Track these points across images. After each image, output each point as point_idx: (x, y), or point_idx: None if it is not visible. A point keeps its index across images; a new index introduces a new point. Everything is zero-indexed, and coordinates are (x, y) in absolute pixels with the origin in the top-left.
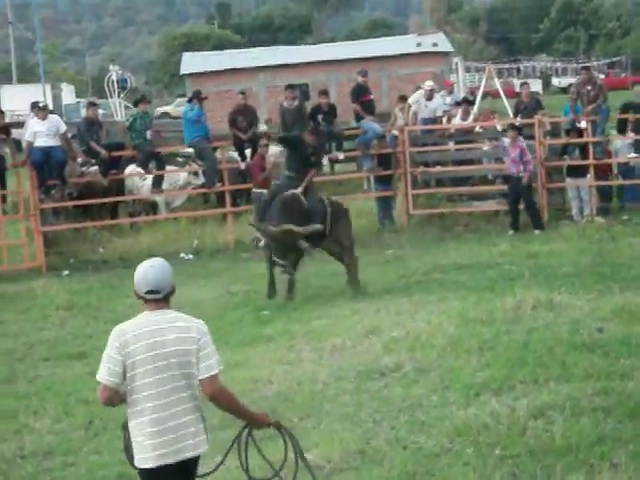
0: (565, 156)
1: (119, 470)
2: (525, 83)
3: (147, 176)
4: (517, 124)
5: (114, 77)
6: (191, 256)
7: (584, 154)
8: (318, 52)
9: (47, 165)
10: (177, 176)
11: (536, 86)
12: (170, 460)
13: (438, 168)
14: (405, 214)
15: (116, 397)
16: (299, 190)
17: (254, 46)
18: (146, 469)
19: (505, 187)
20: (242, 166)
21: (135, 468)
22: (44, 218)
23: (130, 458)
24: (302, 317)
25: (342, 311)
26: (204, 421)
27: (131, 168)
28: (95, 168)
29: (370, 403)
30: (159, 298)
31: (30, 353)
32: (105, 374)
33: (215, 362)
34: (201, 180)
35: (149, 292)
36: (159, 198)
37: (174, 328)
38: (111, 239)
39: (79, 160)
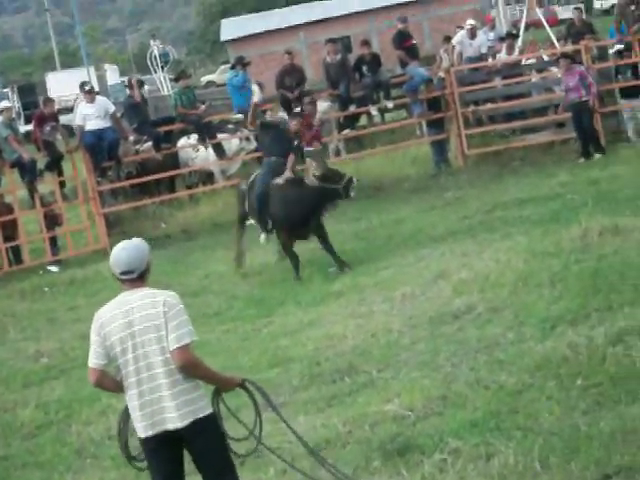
0: (619, 76)
1: None
2: (577, 8)
3: (200, 147)
4: (568, 52)
5: (156, 52)
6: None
7: (636, 74)
8: (356, 3)
9: (100, 147)
10: (229, 143)
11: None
12: (151, 432)
13: (488, 105)
14: (460, 155)
15: (105, 380)
16: (287, 174)
17: (290, 4)
18: (141, 438)
19: (557, 117)
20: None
21: (125, 456)
22: (103, 200)
23: (122, 446)
24: (369, 269)
25: (408, 259)
26: (192, 393)
27: (183, 141)
28: (148, 145)
29: (446, 347)
30: (134, 278)
31: None
32: (91, 357)
33: (186, 332)
34: (253, 144)
35: (123, 273)
36: (214, 167)
37: (143, 305)
38: (172, 213)
39: (131, 138)
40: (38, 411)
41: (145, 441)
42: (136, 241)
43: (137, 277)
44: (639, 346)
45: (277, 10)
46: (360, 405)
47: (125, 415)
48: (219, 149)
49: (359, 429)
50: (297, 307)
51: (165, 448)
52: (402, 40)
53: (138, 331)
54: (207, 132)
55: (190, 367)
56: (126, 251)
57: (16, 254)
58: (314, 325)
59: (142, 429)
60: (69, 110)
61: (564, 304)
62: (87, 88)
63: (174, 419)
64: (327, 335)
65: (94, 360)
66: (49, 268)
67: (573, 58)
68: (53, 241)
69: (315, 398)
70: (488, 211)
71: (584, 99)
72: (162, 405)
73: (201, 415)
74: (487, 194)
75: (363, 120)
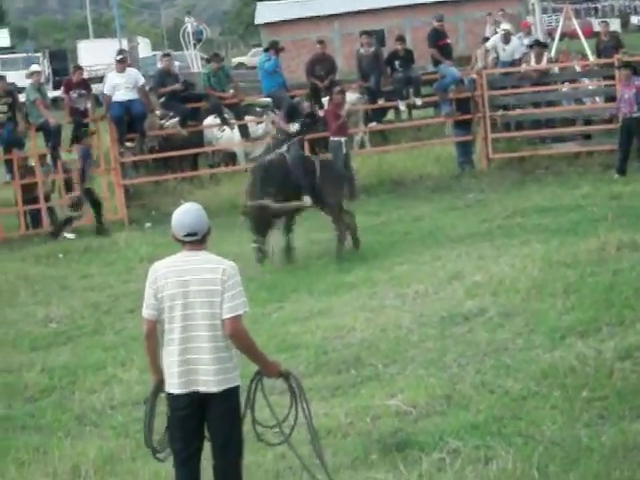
0: None
1: None
2: (604, 22)
3: (225, 127)
4: (631, 62)
5: (189, 29)
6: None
7: None
8: None
9: (126, 119)
10: (255, 126)
11: (615, 25)
12: (184, 390)
13: (517, 111)
14: (485, 158)
15: (154, 333)
16: (284, 148)
17: None
18: (171, 394)
19: (585, 128)
20: (319, 114)
21: (149, 447)
22: (124, 172)
23: (147, 438)
24: (384, 264)
25: (423, 257)
26: (226, 363)
27: (210, 120)
28: (174, 121)
29: (455, 348)
30: (197, 239)
31: (116, 305)
32: (145, 308)
33: (240, 304)
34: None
35: (187, 235)
36: (238, 149)
37: (203, 269)
38: (191, 191)
39: (157, 113)
40: (43, 375)
41: (174, 397)
42: (196, 205)
43: (200, 239)
44: None
45: None
46: (363, 397)
47: (152, 405)
48: (244, 131)
49: (360, 421)
50: (309, 295)
51: (192, 407)
52: (437, 38)
53: (192, 292)
54: (234, 113)
55: (239, 337)
56: (189, 214)
57: (34, 218)
58: (324, 314)
59: (175, 385)
60: (99, 80)
61: (576, 315)
62: (120, 57)
63: (209, 383)
64: (336, 325)
65: (148, 311)
66: (65, 235)
67: (635, 69)
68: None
69: (319, 386)
70: (508, 216)
71: (635, 115)
72: (200, 367)
73: (232, 385)
74: (508, 199)
75: (390, 115)
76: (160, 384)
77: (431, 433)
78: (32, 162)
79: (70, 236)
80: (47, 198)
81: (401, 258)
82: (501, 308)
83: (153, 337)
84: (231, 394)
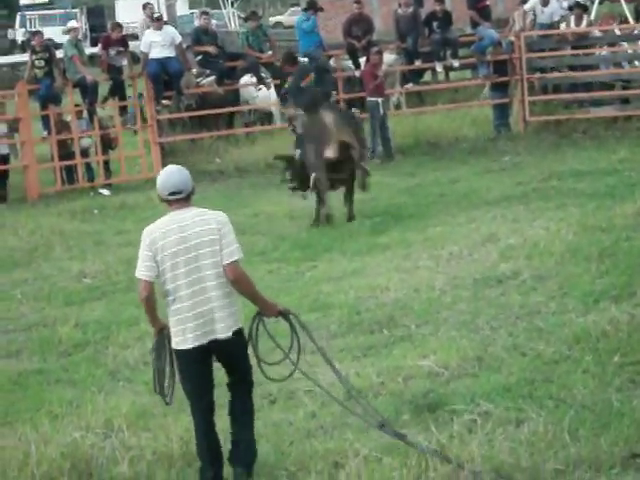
0: None
1: None
2: None
3: (262, 86)
4: None
5: None
6: None
7: None
8: None
9: (163, 77)
10: None
11: None
12: (203, 341)
13: (555, 74)
14: (522, 121)
15: (153, 295)
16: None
17: None
18: (184, 350)
19: (623, 92)
20: (356, 74)
21: (159, 394)
22: (161, 129)
23: (158, 382)
24: (418, 225)
25: (458, 219)
26: (234, 306)
27: (246, 78)
28: (211, 79)
29: (487, 310)
30: (182, 197)
31: None
32: (143, 270)
33: (236, 249)
34: None
35: (172, 193)
36: (274, 108)
37: (196, 222)
38: (227, 149)
39: (194, 71)
40: (76, 330)
41: (188, 353)
42: (179, 167)
43: (185, 197)
44: None
45: None
46: (395, 358)
47: (158, 354)
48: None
49: (392, 382)
50: (342, 255)
51: (205, 358)
52: (476, 0)
53: (193, 245)
54: (271, 72)
55: (240, 281)
56: (173, 174)
57: (69, 174)
58: (358, 274)
59: (190, 340)
60: (135, 37)
61: (610, 280)
62: (155, 16)
63: (223, 329)
64: (370, 286)
65: (146, 273)
66: (101, 191)
67: None
68: (107, 165)
69: (351, 346)
70: (544, 180)
71: None
72: (214, 316)
73: (239, 327)
74: (544, 163)
75: (427, 76)
76: (162, 331)
77: (462, 395)
78: (68, 118)
79: (105, 192)
80: (84, 154)
81: (436, 220)
82: (535, 271)
83: (152, 297)
84: (240, 335)
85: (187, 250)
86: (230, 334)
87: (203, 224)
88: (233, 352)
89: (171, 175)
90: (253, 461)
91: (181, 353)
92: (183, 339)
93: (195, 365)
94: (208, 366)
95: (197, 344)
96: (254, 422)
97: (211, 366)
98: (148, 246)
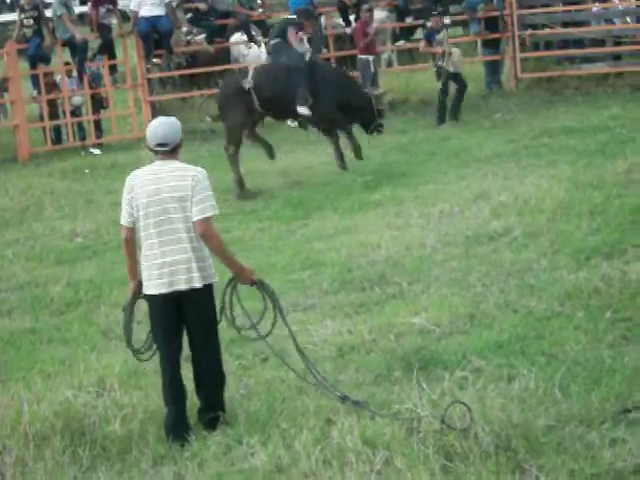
0: None
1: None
2: None
3: (252, 44)
4: None
5: None
6: (296, 123)
7: None
8: None
9: (154, 35)
10: None
11: None
12: (164, 290)
13: (547, 30)
14: (513, 78)
15: (132, 240)
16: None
17: None
18: (150, 295)
19: (615, 48)
20: (347, 32)
21: (130, 350)
22: (151, 88)
23: (128, 340)
24: (410, 183)
25: (449, 177)
26: (203, 261)
27: (237, 36)
28: (201, 37)
29: (479, 267)
30: (167, 150)
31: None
32: (124, 216)
33: (209, 206)
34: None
35: (158, 145)
36: None
37: (173, 176)
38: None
39: (184, 29)
40: (68, 289)
41: (155, 298)
42: (171, 118)
43: (170, 150)
44: None
45: None
46: (387, 315)
47: (130, 309)
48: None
49: (384, 338)
50: (334, 212)
51: (171, 306)
52: None
53: (165, 198)
54: (262, 30)
55: (210, 238)
56: (162, 126)
57: (58, 133)
58: (349, 232)
59: (156, 286)
60: None
61: (601, 237)
62: None
63: (189, 279)
64: (361, 243)
65: (126, 218)
66: (91, 150)
67: None
68: (97, 124)
69: (343, 304)
70: (535, 137)
71: None
72: (181, 266)
73: (208, 282)
74: (536, 120)
75: (419, 33)
76: (138, 288)
77: (454, 351)
78: (58, 77)
79: (96, 152)
80: (76, 112)
81: (427, 177)
82: (526, 228)
83: (131, 243)
84: (208, 291)
85: (158, 202)
86: (196, 286)
87: (179, 179)
88: (197, 311)
89: (160, 126)
90: (220, 386)
91: (148, 297)
92: (149, 284)
93: (161, 310)
94: (174, 316)
95: (162, 291)
96: (221, 364)
97: (178, 319)
98: (127, 190)
